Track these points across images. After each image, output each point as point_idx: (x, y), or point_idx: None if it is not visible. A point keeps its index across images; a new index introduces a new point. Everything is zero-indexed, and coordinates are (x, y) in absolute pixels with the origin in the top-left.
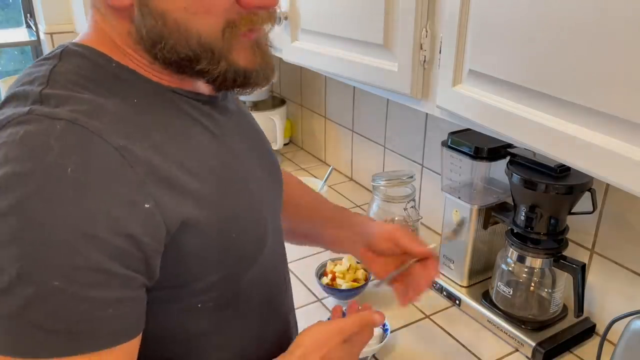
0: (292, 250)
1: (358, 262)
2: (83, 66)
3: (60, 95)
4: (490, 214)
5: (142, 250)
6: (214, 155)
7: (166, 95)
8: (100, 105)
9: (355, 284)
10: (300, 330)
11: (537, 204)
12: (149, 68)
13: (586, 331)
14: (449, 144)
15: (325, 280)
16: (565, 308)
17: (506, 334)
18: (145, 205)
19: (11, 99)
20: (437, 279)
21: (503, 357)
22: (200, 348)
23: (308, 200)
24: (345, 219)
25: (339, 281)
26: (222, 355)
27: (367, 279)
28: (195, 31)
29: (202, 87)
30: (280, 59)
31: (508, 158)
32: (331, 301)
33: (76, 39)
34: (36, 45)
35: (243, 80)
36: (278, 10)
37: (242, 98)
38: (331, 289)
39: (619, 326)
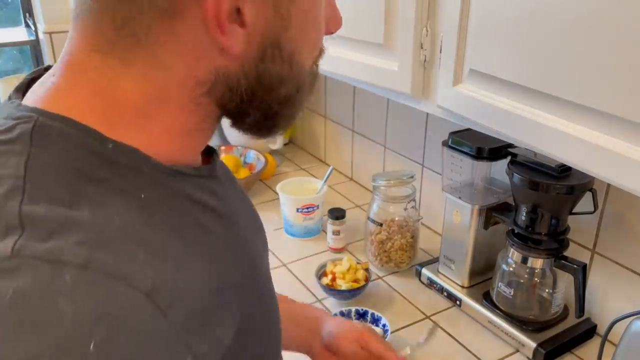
0: (292, 251)
1: (358, 263)
2: (68, 156)
3: (50, 216)
4: (491, 214)
5: None
6: (235, 254)
7: (173, 181)
8: (108, 225)
9: (355, 285)
10: None
11: (538, 204)
12: (163, 141)
13: (587, 332)
14: (449, 143)
15: (325, 280)
16: (566, 309)
17: (507, 334)
18: None
19: None
20: (437, 280)
21: (504, 357)
22: None
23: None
24: (298, 316)
25: (339, 282)
26: None
27: (367, 280)
28: (303, 69)
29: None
30: None
31: (509, 158)
32: (331, 301)
33: (40, 100)
34: (35, 45)
35: (285, 125)
36: None
37: None
38: (331, 289)
39: (620, 327)
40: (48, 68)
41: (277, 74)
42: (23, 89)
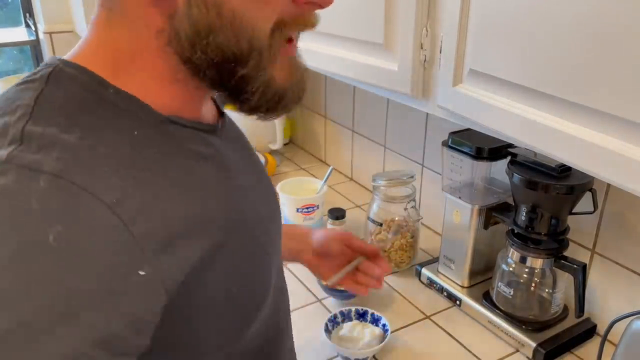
0: None
1: None
2: (74, 94)
3: (44, 135)
4: (491, 214)
5: (136, 329)
6: (220, 198)
7: (168, 127)
8: (91, 149)
9: None
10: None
11: (537, 204)
12: (154, 88)
13: (587, 332)
14: (449, 143)
15: None
16: (566, 308)
17: (507, 334)
18: (140, 273)
19: None
20: (437, 279)
21: (504, 357)
22: None
23: None
24: (289, 232)
25: None
26: None
27: None
28: (250, 26)
29: (206, 114)
30: None
31: (509, 158)
32: (331, 302)
33: (71, 53)
34: (35, 44)
35: (277, 100)
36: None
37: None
38: (331, 289)
39: (619, 327)
40: None
41: (203, 21)
42: None
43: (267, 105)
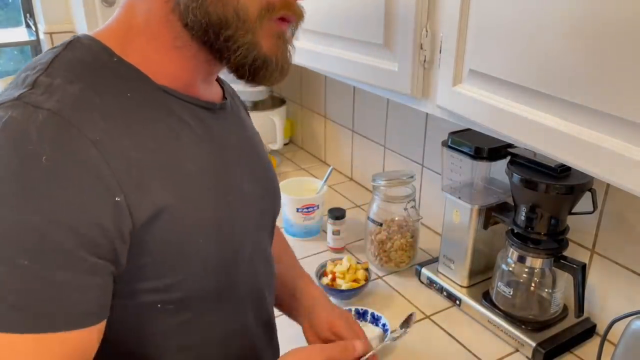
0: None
1: (359, 263)
2: (84, 58)
3: (51, 84)
4: (491, 214)
5: (110, 240)
6: (196, 160)
7: (161, 95)
8: (87, 98)
9: (355, 284)
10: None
11: (537, 204)
12: (155, 58)
13: (586, 331)
14: (449, 143)
15: (325, 280)
16: (565, 308)
17: (506, 334)
18: (116, 199)
19: (14, 83)
20: (437, 279)
21: (503, 357)
22: (159, 348)
23: (285, 260)
24: (302, 290)
25: (339, 281)
26: (181, 357)
27: (367, 280)
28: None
29: (205, 93)
30: None
31: (508, 158)
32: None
33: (98, 29)
34: (35, 45)
35: (261, 65)
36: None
37: (242, 97)
38: (331, 289)
39: (619, 326)
40: None
41: None
42: None
43: (251, 67)
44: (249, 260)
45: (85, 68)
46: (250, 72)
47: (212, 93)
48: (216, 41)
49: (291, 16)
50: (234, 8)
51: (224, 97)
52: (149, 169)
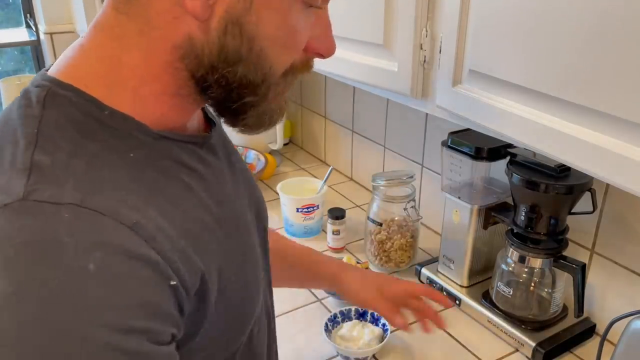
0: None
1: (358, 262)
2: (73, 116)
3: (54, 163)
4: (490, 214)
5: (175, 324)
6: (211, 208)
7: (163, 145)
8: (99, 174)
9: None
10: None
11: (537, 204)
12: (151, 103)
13: (586, 331)
14: (449, 143)
15: None
16: (565, 308)
17: (506, 334)
18: (172, 283)
19: None
20: (437, 279)
21: (503, 357)
22: None
23: (294, 256)
24: (320, 274)
25: None
26: None
27: None
28: (268, 63)
29: (193, 124)
30: None
31: (508, 158)
32: (331, 301)
33: (65, 63)
34: (36, 45)
35: (267, 122)
36: None
37: None
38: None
39: (619, 326)
40: None
41: (235, 50)
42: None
43: (255, 124)
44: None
45: (79, 131)
46: (253, 126)
47: (196, 118)
48: (233, 103)
49: (305, 72)
50: (264, 74)
51: (207, 121)
52: (182, 235)
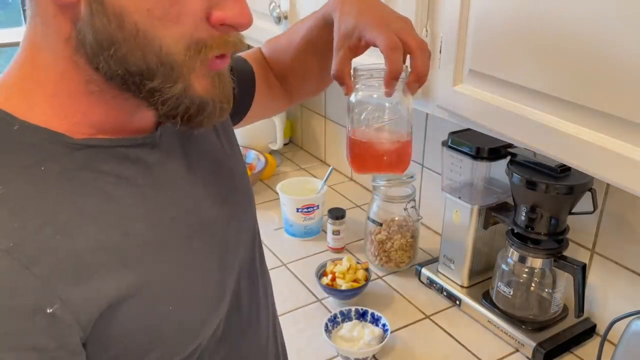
0: (292, 251)
1: (358, 263)
2: None
3: None
4: (491, 214)
5: (54, 357)
6: (141, 217)
7: (84, 154)
8: None
9: (355, 285)
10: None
11: (537, 204)
12: (70, 108)
13: (587, 331)
14: (449, 143)
15: (325, 280)
16: (565, 308)
17: (506, 334)
18: (48, 311)
19: None
20: (437, 279)
21: (503, 357)
22: None
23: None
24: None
25: (339, 281)
26: None
27: (367, 280)
28: (157, 42)
29: (141, 122)
30: None
31: (508, 158)
32: (331, 301)
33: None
34: None
35: (196, 111)
36: (277, 10)
37: None
38: (331, 289)
39: (619, 326)
40: None
41: (104, 30)
42: None
43: (184, 115)
44: (245, 293)
45: None
46: (184, 120)
47: (145, 118)
48: (139, 92)
49: (230, 49)
50: (157, 56)
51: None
52: (87, 254)
